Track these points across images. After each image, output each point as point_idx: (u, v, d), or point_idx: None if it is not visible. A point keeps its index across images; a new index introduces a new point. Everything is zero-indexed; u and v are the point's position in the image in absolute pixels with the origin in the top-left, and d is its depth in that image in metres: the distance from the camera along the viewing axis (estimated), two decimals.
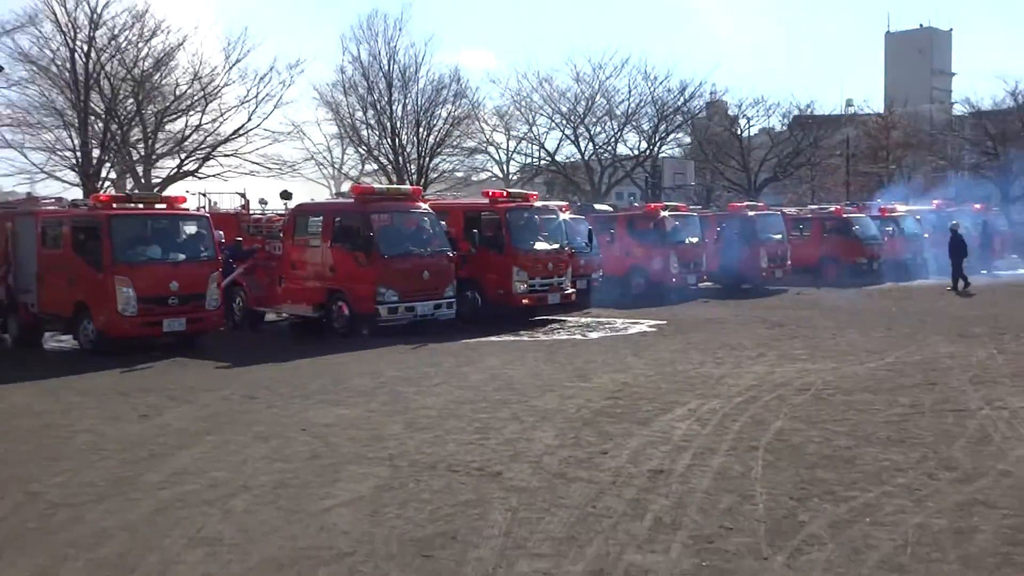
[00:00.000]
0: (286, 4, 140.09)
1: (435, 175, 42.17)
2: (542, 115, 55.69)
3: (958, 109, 79.79)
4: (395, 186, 26.30)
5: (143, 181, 38.12)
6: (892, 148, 63.90)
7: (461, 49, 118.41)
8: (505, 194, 22.22)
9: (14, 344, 18.97)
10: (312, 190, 47.07)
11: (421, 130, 40.81)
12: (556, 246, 21.67)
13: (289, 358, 15.85)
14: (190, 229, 17.74)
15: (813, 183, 64.60)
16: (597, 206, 31.32)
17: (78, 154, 33.47)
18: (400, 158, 41.57)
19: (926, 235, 34.05)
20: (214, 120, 38.88)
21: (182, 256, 17.31)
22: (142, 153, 38.54)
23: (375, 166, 47.47)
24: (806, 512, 6.71)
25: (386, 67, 40.41)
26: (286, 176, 43.29)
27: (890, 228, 33.13)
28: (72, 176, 35.97)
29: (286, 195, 20.99)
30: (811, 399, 11.01)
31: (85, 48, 31.69)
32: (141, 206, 17.51)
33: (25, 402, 12.34)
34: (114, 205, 17.14)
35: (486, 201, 22.08)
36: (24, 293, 18.35)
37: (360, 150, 48.34)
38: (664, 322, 20.09)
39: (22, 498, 7.83)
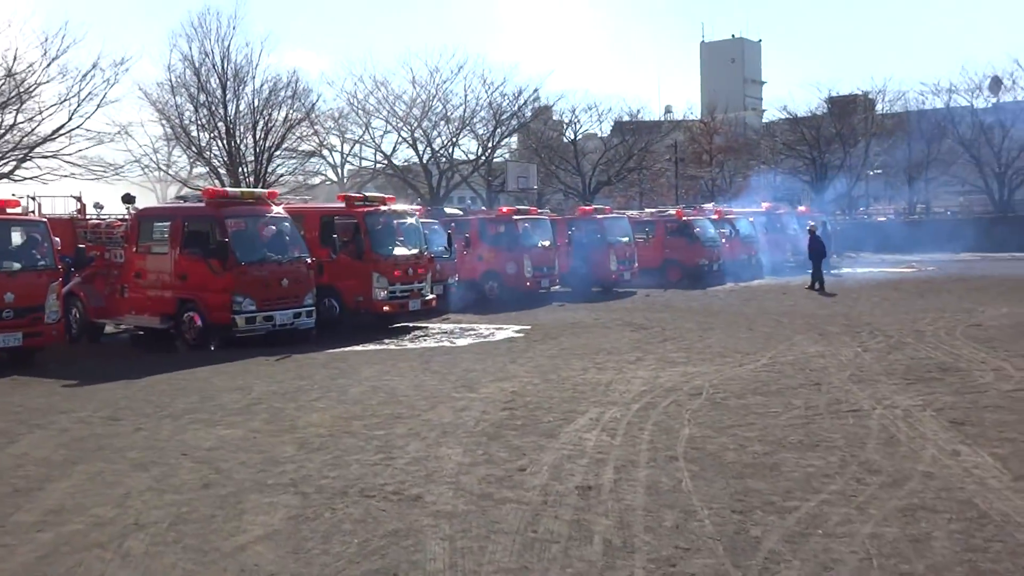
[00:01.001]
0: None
1: (272, 179, 40.69)
2: (378, 118, 55.02)
3: (770, 115, 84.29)
4: (249, 189, 25.04)
5: None
6: (715, 152, 66.66)
7: (296, 49, 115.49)
8: (362, 197, 21.55)
9: None
10: (138, 194, 44.66)
11: (258, 132, 39.25)
12: (415, 251, 21.18)
13: (142, 374, 14.70)
14: (26, 235, 16.25)
15: (642, 187, 66.54)
16: (448, 209, 30.98)
17: None
18: (235, 160, 39.87)
19: (760, 236, 35.50)
20: (31, 119, 36.17)
21: (17, 265, 15.83)
22: None
23: (206, 168, 45.47)
24: (755, 526, 6.57)
25: (219, 66, 38.69)
26: (110, 179, 40.96)
27: (726, 230, 34.32)
28: None
29: (129, 199, 19.59)
30: (707, 404, 11.03)
31: None
32: None
33: None
34: None
35: (342, 205, 21.35)
36: None
37: (190, 151, 46.19)
38: (528, 327, 19.94)
39: None
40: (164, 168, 47.15)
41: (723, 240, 33.31)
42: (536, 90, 56.01)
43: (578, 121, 59.96)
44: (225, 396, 12.51)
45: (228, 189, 23.82)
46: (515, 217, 27.41)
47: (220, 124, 39.59)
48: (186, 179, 50.46)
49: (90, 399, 12.67)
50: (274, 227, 18.85)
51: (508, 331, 19.42)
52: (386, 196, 23.32)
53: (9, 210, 16.22)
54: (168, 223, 18.56)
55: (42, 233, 16.32)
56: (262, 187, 38.78)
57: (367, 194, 22.26)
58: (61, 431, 10.63)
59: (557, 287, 28.27)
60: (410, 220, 21.92)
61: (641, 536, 6.46)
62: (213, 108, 39.91)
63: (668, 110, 76.29)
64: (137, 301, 18.67)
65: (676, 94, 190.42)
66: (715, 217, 34.75)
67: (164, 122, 45.96)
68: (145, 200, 33.18)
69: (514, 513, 7.09)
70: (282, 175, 41.97)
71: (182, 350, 17.71)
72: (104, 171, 40.70)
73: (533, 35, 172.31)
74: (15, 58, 35.47)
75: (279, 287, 17.95)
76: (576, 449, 9.01)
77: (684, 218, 32.98)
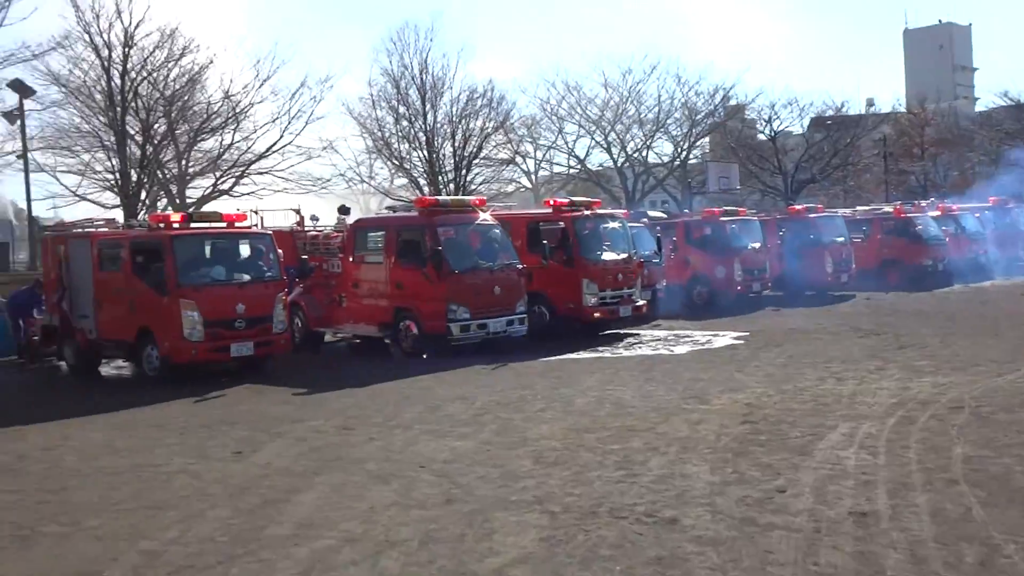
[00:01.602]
0: (315, 20, 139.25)
1: (472, 188, 41.19)
2: (571, 123, 54.88)
3: (985, 103, 78.51)
4: (459, 197, 25.28)
5: (177, 201, 37.37)
6: (927, 145, 62.72)
7: (490, 58, 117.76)
8: (569, 202, 21.26)
9: (71, 371, 18.14)
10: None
11: (457, 141, 39.82)
12: (624, 256, 20.69)
13: (365, 382, 14.90)
14: (253, 248, 16.85)
15: (847, 184, 63.43)
16: (651, 213, 30.33)
17: (116, 176, 32.66)
18: (434, 171, 40.61)
19: (988, 233, 32.90)
20: (246, 138, 38.09)
21: (247, 277, 16.44)
22: (175, 173, 37.81)
23: (406, 179, 46.68)
24: None
25: (418, 78, 39.53)
26: (318, 192, 42.57)
27: (951, 227, 31.97)
28: (108, 198, 35.29)
29: (344, 210, 20.09)
30: (973, 419, 9.98)
31: (120, 68, 30.90)
32: (202, 226, 16.58)
33: (104, 439, 11.42)
34: (175, 225, 16.24)
35: (549, 210, 21.13)
36: (81, 319, 17.49)
37: (391, 163, 47.54)
38: (747, 333, 19.05)
39: (138, 559, 6.90)
40: (367, 180, 48.67)
41: (947, 238, 31.02)
42: (732, 87, 54.41)
43: (777, 118, 57.80)
44: (450, 406, 12.42)
45: (439, 198, 23.99)
46: (723, 219, 26.47)
47: (420, 135, 40.38)
48: (387, 190, 52.05)
49: (320, 407, 12.88)
50: (485, 234, 18.82)
51: (726, 338, 18.60)
52: (592, 200, 22.95)
53: (238, 224, 16.88)
54: (382, 233, 18.86)
55: (268, 245, 16.88)
56: (462, 196, 39.38)
57: (574, 199, 21.94)
58: (298, 440, 10.78)
59: (768, 291, 27.07)
60: (618, 224, 21.45)
61: (944, 575, 5.72)
62: (413, 119, 40.80)
63: (871, 103, 72.59)
64: (355, 310, 19.05)
65: (878, 86, 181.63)
66: (937, 213, 32.44)
67: (366, 135, 47.64)
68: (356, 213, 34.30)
69: (785, 541, 6.47)
70: (480, 183, 42.40)
71: (398, 358, 17.93)
72: (312, 185, 42.34)
73: (726, 31, 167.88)
74: (231, 81, 37.39)
75: (492, 295, 17.87)
76: (836, 469, 8.26)
77: (904, 215, 30.92)
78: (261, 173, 39.36)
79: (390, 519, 7.56)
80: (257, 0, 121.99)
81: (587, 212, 20.77)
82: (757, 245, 26.42)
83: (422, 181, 43.72)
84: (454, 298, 17.35)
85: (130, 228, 18.04)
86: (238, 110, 37.98)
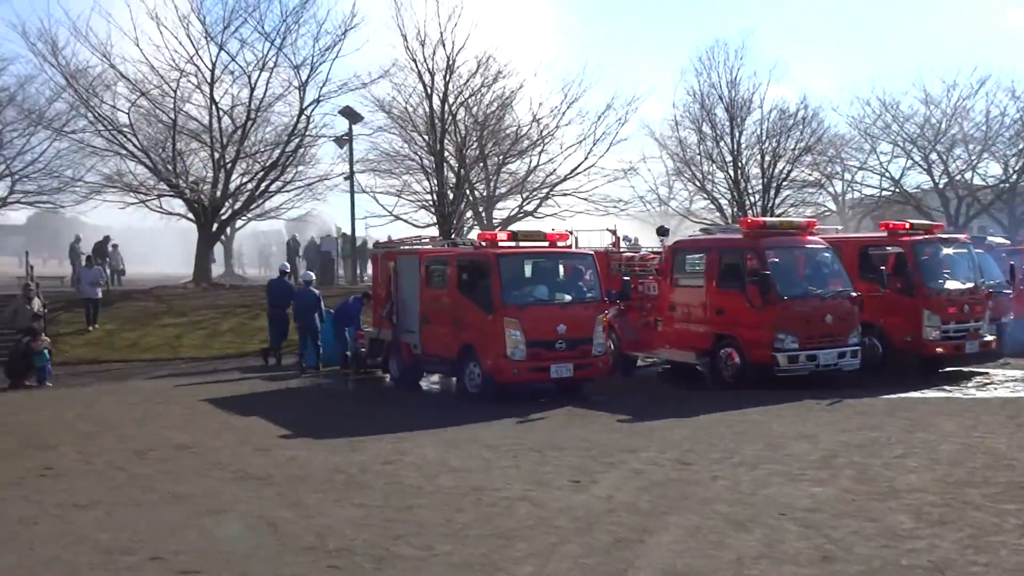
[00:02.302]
0: (622, 41, 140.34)
1: (780, 211, 39.42)
2: (884, 141, 51.38)
3: None
4: (788, 219, 24.02)
5: (484, 222, 38.50)
6: None
7: (799, 76, 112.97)
8: (907, 225, 19.43)
9: (395, 384, 18.74)
10: (637, 228, 45.84)
11: (765, 162, 38.27)
12: (970, 284, 18.57)
13: (690, 412, 14.13)
14: (575, 268, 16.61)
15: None
16: (992, 238, 27.42)
17: (434, 196, 34.10)
18: (740, 192, 39.25)
19: None
20: (551, 160, 38.62)
21: (568, 297, 16.20)
22: (483, 194, 38.97)
23: (707, 200, 45.60)
24: None
25: (726, 97, 38.36)
26: (618, 214, 42.45)
27: None
28: (422, 217, 36.97)
29: (663, 231, 19.50)
30: None
31: (440, 94, 32.25)
32: (526, 245, 16.54)
33: (437, 456, 11.39)
34: (499, 244, 16.30)
35: (883, 234, 19.42)
36: (406, 333, 18.02)
37: (692, 184, 46.69)
38: None
39: None
40: (666, 202, 48.06)
41: None
42: None
43: None
44: (793, 445, 11.39)
45: (765, 219, 22.84)
46: None
47: (726, 155, 39.22)
48: (687, 212, 51.25)
49: (650, 437, 12.24)
50: (815, 258, 17.53)
51: None
52: (933, 224, 20.92)
53: (560, 243, 16.70)
54: (703, 255, 18.03)
55: (589, 266, 16.58)
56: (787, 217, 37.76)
57: (912, 221, 20.04)
58: (635, 472, 10.19)
59: None
60: (963, 249, 19.32)
61: None
62: (718, 139, 39.69)
63: None
64: (671, 335, 18.33)
65: None
66: None
67: (667, 156, 47.08)
68: (643, 235, 33.79)
69: None
70: (790, 206, 40.46)
71: (712, 387, 17.01)
72: (612, 206, 42.30)
73: None
74: (539, 104, 38.01)
75: (822, 324, 16.55)
76: None
77: None
78: (564, 194, 39.80)
79: (761, 573, 6.74)
80: (567, 24, 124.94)
81: (928, 235, 18.88)
82: None
83: (723, 202, 42.53)
84: (782, 326, 16.21)
85: (454, 246, 18.38)
86: (544, 133, 38.61)
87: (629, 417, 13.92)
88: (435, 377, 18.99)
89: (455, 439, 12.61)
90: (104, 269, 32.04)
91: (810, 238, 17.88)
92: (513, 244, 16.38)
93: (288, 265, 24.58)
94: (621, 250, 20.53)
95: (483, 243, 16.64)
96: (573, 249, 17.28)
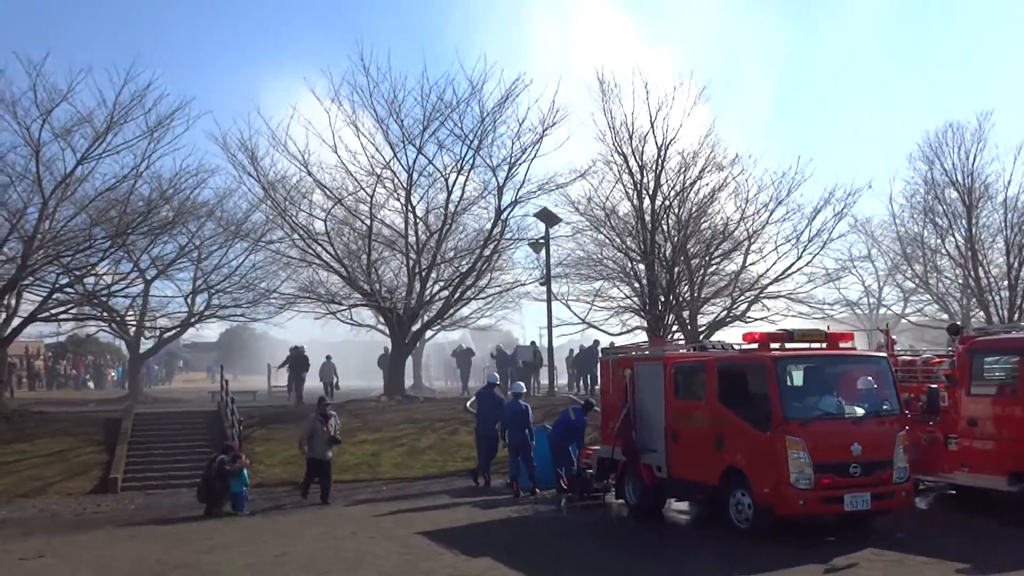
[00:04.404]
0: (837, 133, 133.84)
1: None
2: None
3: None
4: None
5: (688, 327, 35.61)
6: None
7: None
8: None
9: (631, 512, 16.00)
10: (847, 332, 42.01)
11: (1011, 254, 33.88)
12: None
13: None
14: (867, 374, 13.55)
15: None
16: None
17: (645, 299, 31.61)
18: (980, 288, 34.93)
19: None
20: (763, 258, 35.51)
21: (861, 410, 13.15)
22: (686, 297, 36.18)
23: (921, 303, 41.45)
24: None
25: (960, 182, 34.51)
26: (829, 318, 38.74)
27: None
28: (611, 325, 34.55)
29: (954, 330, 16.22)
30: None
31: (649, 191, 30.10)
32: (803, 347, 13.70)
33: None
34: (772, 345, 13.53)
35: None
36: (648, 453, 15.33)
37: (908, 285, 42.59)
38: None
39: None
40: (883, 303, 44.05)
41: None
42: None
43: None
44: None
45: None
46: None
47: (961, 246, 35.14)
48: (900, 315, 46.91)
49: None
50: None
51: None
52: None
53: (842, 344, 13.79)
54: (1014, 360, 14.61)
55: (884, 371, 13.54)
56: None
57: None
58: None
59: None
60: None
61: None
62: (948, 230, 35.68)
63: None
64: (969, 455, 14.90)
65: None
66: None
67: (879, 256, 43.22)
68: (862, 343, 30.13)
69: None
70: None
71: None
72: (827, 308, 38.65)
73: None
74: (747, 200, 35.23)
75: None
76: None
77: None
78: (775, 297, 36.51)
79: None
80: (780, 112, 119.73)
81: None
82: None
83: (955, 305, 38.25)
84: None
85: (702, 350, 15.68)
86: (752, 231, 35.70)
87: (967, 566, 10.66)
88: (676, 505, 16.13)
89: None
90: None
91: None
92: (787, 346, 13.58)
93: (498, 376, 22.38)
94: (898, 353, 17.26)
95: (751, 345, 13.87)
96: (863, 352, 14.29)
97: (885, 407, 13.27)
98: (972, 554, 11.30)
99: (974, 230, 34.90)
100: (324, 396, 20.32)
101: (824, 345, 13.81)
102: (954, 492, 16.53)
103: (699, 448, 14.09)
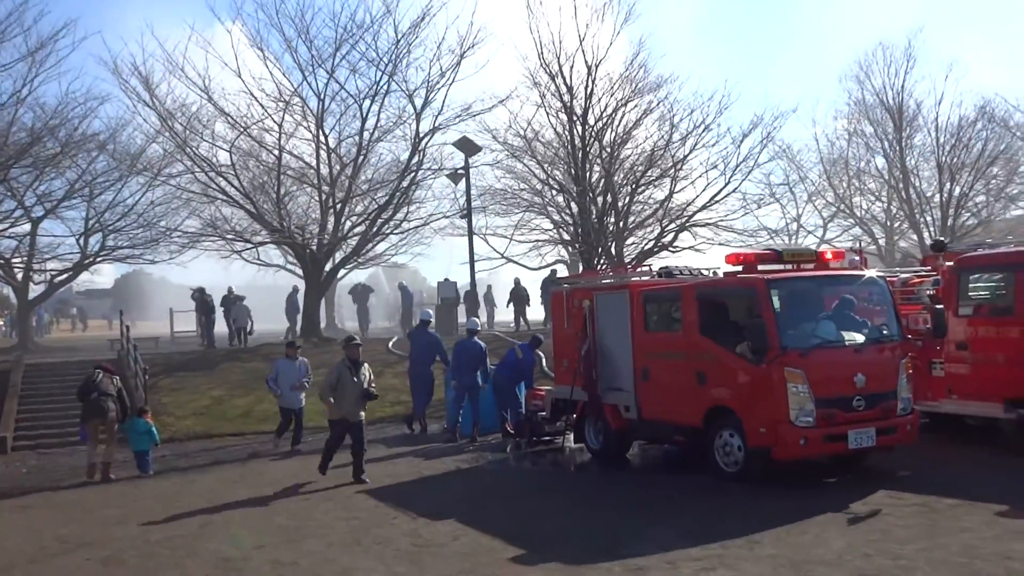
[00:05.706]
0: (768, 56, 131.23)
1: (960, 233, 34.60)
2: None
3: None
4: None
5: (614, 257, 34.21)
6: None
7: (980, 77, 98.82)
8: None
9: (595, 458, 14.48)
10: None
11: (943, 175, 33.28)
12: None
13: None
14: (863, 298, 12.16)
15: None
16: None
17: (577, 231, 29.97)
18: (913, 211, 34.40)
19: None
20: (692, 184, 34.19)
21: (860, 337, 11.74)
22: (616, 226, 34.73)
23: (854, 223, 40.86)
24: None
25: (891, 103, 33.65)
26: (748, 246, 37.91)
27: None
28: (530, 260, 33.15)
29: (939, 246, 14.97)
30: None
31: (580, 115, 28.22)
32: (791, 268, 12.22)
33: None
34: (760, 267, 11.99)
35: None
36: (613, 392, 13.77)
37: (829, 210, 42.04)
38: None
39: None
40: (794, 231, 43.37)
41: None
42: None
43: None
44: None
45: None
46: None
47: (894, 170, 34.48)
48: (820, 240, 46.73)
49: None
50: None
51: None
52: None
53: (834, 263, 12.36)
54: (1003, 275, 13.43)
55: (882, 294, 12.16)
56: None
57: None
58: None
59: None
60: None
61: None
62: (888, 152, 34.86)
63: None
64: (961, 381, 13.74)
65: None
66: None
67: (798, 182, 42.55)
68: None
69: None
70: (975, 228, 35.49)
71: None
72: (744, 237, 37.77)
73: None
74: (672, 127, 33.75)
75: None
76: None
77: None
78: (702, 225, 35.32)
79: None
80: (700, 41, 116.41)
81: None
82: None
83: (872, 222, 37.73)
84: None
85: (669, 276, 14.07)
86: (678, 157, 34.30)
87: (1005, 507, 9.40)
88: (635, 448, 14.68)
89: (784, 558, 8.23)
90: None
91: None
92: (777, 267, 12.07)
93: (431, 313, 20.46)
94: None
95: (736, 267, 12.28)
96: (857, 273, 12.85)
97: (886, 333, 11.91)
98: (1000, 493, 10.05)
99: (904, 151, 34.22)
100: (354, 337, 15.41)
101: (814, 266, 12.35)
102: (927, 420, 15.44)
103: (676, 386, 12.57)
